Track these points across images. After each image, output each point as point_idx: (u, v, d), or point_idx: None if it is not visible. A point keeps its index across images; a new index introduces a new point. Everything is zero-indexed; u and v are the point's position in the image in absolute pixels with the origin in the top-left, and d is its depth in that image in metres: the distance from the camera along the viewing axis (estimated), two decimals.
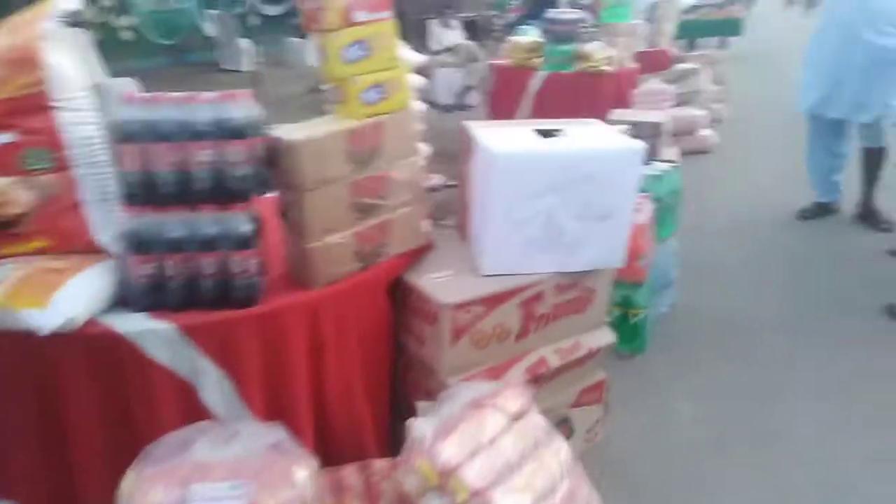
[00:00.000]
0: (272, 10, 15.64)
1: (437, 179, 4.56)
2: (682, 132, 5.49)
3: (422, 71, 7.78)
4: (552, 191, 1.69)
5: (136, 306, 1.49)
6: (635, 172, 1.75)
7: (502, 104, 5.73)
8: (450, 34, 8.35)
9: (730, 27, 11.67)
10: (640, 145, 1.72)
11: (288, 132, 1.53)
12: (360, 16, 1.50)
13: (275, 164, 1.58)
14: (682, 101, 5.89)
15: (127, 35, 12.04)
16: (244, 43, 12.44)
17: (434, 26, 8.32)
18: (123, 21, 11.82)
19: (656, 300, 2.77)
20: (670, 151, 4.88)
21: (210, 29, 12.95)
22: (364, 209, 1.63)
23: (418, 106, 4.27)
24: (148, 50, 12.50)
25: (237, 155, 1.44)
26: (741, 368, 2.51)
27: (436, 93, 8.32)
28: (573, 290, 1.85)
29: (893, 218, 3.65)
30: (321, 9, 1.48)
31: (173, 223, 1.47)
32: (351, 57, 1.52)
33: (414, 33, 10.24)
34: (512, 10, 17.05)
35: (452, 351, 1.67)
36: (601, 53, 5.23)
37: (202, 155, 1.43)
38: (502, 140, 1.70)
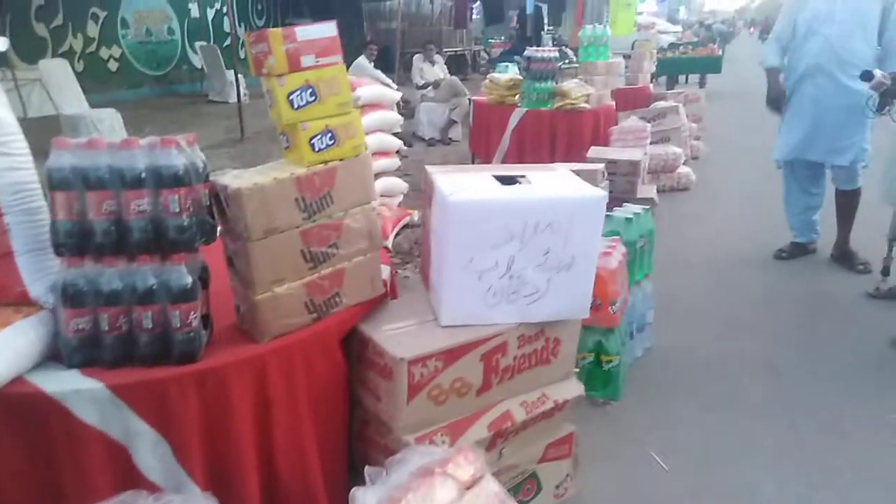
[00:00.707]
0: None
1: (416, 215, 4.53)
2: (661, 169, 5.51)
3: (405, 105, 7.77)
4: (512, 240, 1.63)
5: (68, 363, 1.40)
6: (598, 221, 1.69)
7: (482, 140, 5.73)
8: (434, 69, 8.39)
9: (709, 65, 11.90)
10: (602, 193, 1.67)
11: (234, 179, 1.46)
12: (309, 60, 1.45)
13: (221, 213, 1.51)
14: (661, 138, 5.93)
15: (113, 66, 12.06)
16: (231, 75, 12.48)
17: (418, 61, 8.36)
18: (110, 52, 11.84)
19: (631, 344, 2.70)
20: (648, 189, 4.88)
21: (198, 60, 13.02)
22: (316, 258, 1.56)
23: (394, 142, 4.25)
24: (134, 80, 12.54)
25: (177, 203, 1.37)
26: (719, 417, 2.43)
27: (420, 127, 8.35)
28: (538, 340, 1.77)
29: (869, 259, 3.62)
30: (268, 53, 1.43)
31: (109, 275, 1.39)
32: (299, 102, 1.47)
33: (398, 67, 10.33)
34: (496, 45, 17.39)
35: (410, 408, 1.58)
36: (579, 91, 5.26)
37: (139, 204, 1.36)
38: (461, 187, 1.64)
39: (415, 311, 1.77)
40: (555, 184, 1.75)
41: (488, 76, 5.63)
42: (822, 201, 3.85)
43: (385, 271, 1.85)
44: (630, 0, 9.57)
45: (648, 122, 5.92)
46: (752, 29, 43.64)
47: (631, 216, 2.67)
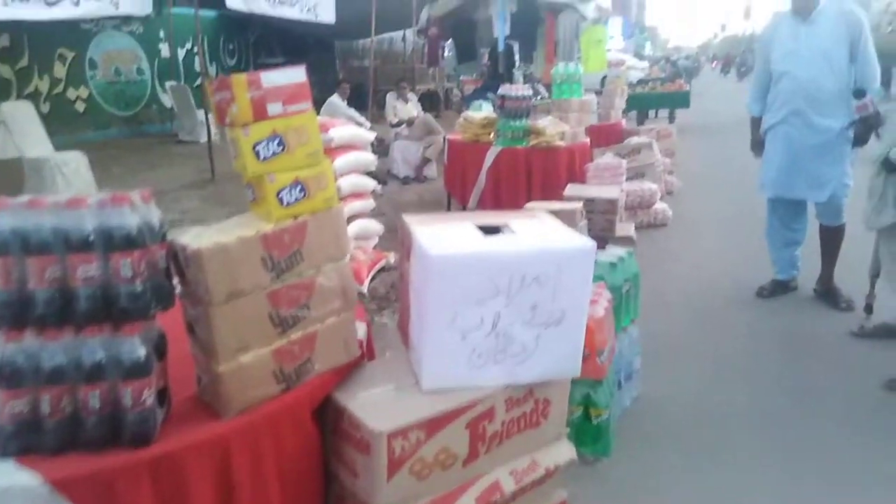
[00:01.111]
0: None
1: (392, 258, 4.41)
2: (638, 206, 5.49)
3: (379, 143, 7.68)
4: (498, 295, 1.52)
5: (2, 451, 1.24)
6: (588, 272, 1.59)
7: (457, 179, 5.66)
8: (407, 107, 8.37)
9: (678, 100, 12.14)
10: (591, 244, 1.58)
11: (194, 238, 1.34)
12: (276, 108, 1.34)
13: (180, 274, 1.38)
14: (636, 174, 5.93)
15: (80, 106, 11.86)
16: (201, 114, 12.36)
17: (391, 99, 8.34)
18: (77, 92, 11.66)
19: (619, 395, 2.59)
20: (626, 227, 4.84)
21: (168, 100, 12.89)
22: (285, 322, 1.43)
23: (368, 183, 4.14)
24: (102, 121, 12.33)
25: (130, 268, 1.23)
26: (709, 471, 2.32)
27: (394, 165, 8.29)
28: (526, 403, 1.65)
29: (852, 296, 3.59)
30: (231, 101, 1.32)
31: (52, 349, 1.24)
32: (266, 153, 1.35)
33: (371, 105, 10.31)
34: (467, 82, 17.56)
35: (390, 486, 1.44)
36: (554, 129, 5.25)
37: (87, 269, 1.22)
38: (442, 239, 1.54)
39: (393, 373, 1.64)
40: (540, 233, 1.65)
41: (462, 114, 5.60)
42: (804, 237, 3.83)
43: (360, 329, 1.73)
44: (600, 37, 9.74)
45: (624, 157, 5.94)
46: (714, 64, 45.05)
47: (615, 260, 2.59)
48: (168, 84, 12.16)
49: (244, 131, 1.33)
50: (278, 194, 1.37)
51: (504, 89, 5.24)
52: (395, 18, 12.10)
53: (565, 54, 9.57)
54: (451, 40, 12.22)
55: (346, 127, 3.88)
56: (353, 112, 7.89)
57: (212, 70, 14.98)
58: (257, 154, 1.35)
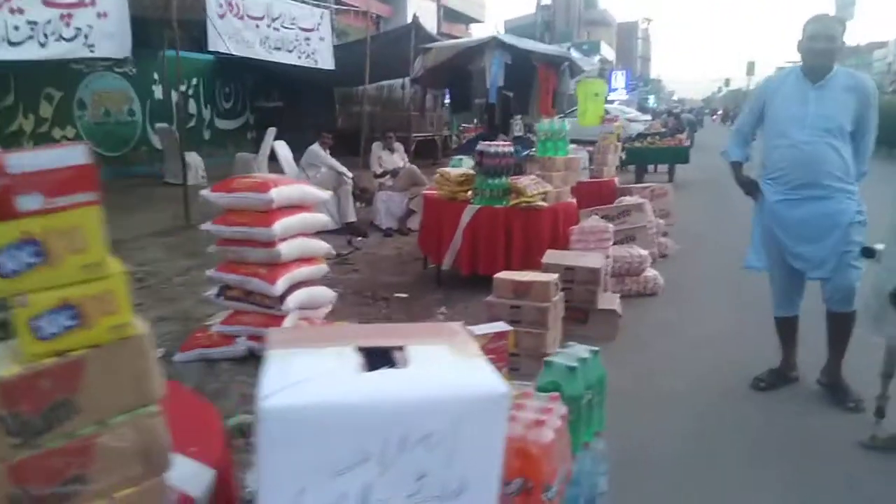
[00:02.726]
0: (227, 125, 15.57)
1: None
2: (626, 273, 5.07)
3: (363, 193, 7.28)
4: (367, 462, 1.08)
5: None
6: (499, 429, 1.15)
7: (432, 237, 5.27)
8: (392, 157, 8.06)
9: (677, 155, 11.80)
10: (504, 391, 1.14)
11: None
12: (31, 202, 0.93)
13: None
14: (626, 237, 5.54)
15: None
16: (192, 157, 12.12)
17: (376, 149, 8.03)
18: (63, 132, 11.45)
19: None
20: (610, 298, 4.41)
21: (157, 141, 12.68)
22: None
23: (319, 247, 3.72)
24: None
25: None
26: None
27: (378, 216, 7.92)
28: None
29: (862, 395, 3.12)
30: None
31: None
32: (14, 266, 0.94)
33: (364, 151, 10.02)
34: (469, 130, 17.39)
35: None
36: (536, 188, 4.87)
37: None
38: (290, 376, 1.10)
39: None
40: (439, 370, 1.21)
41: (438, 170, 5.23)
42: (805, 286, 3.39)
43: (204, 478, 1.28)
44: (598, 90, 9.47)
45: (612, 219, 5.54)
46: (714, 117, 45.36)
47: (575, 364, 2.14)
48: (156, 126, 11.95)
49: None
50: (33, 322, 0.95)
51: (483, 146, 4.89)
52: (395, 66, 11.94)
53: (562, 105, 9.30)
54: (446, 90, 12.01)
55: (295, 186, 3.50)
56: (332, 161, 7.59)
57: (206, 113, 14.85)
58: (1, 268, 0.93)
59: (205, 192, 3.47)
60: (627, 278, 5.06)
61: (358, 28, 17.51)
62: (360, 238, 7.47)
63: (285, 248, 3.29)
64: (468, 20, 28.73)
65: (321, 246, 3.67)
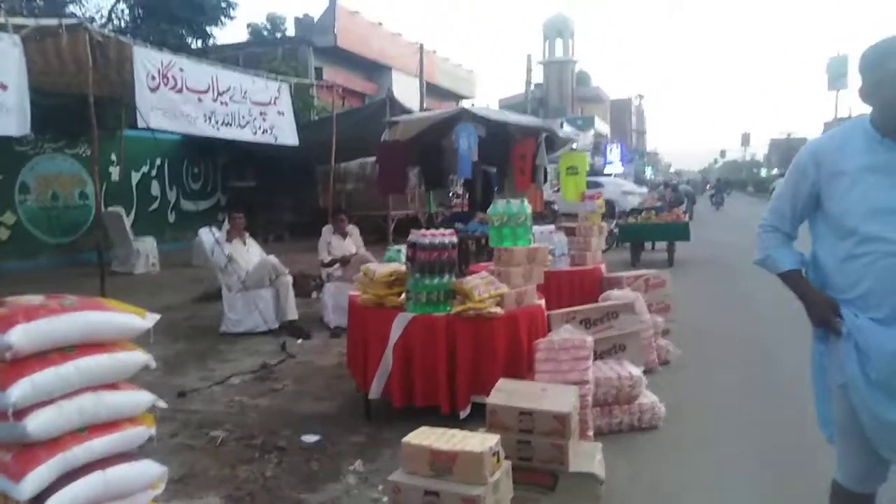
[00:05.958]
0: (195, 206, 14.59)
1: None
2: (613, 401, 3.79)
3: (316, 283, 5.62)
4: None
5: None
6: None
7: (358, 355, 4.02)
8: (344, 243, 6.91)
9: (677, 232, 10.52)
10: None
11: None
12: None
13: None
14: (613, 345, 4.31)
15: (4, 234, 10.60)
16: (145, 242, 11.06)
17: (326, 233, 6.89)
18: (1, 218, 10.47)
19: None
20: (588, 453, 3.12)
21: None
22: None
23: (127, 401, 2.49)
24: (30, 250, 11.01)
25: None
26: None
27: (325, 312, 6.71)
28: None
29: None
30: None
31: None
32: None
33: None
34: (457, 206, 16.39)
35: None
36: (487, 290, 3.67)
37: None
38: None
39: None
40: None
41: (362, 267, 4.03)
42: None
43: None
44: (576, 163, 8.45)
45: (595, 323, 4.33)
46: (708, 186, 44.64)
47: None
48: (106, 210, 10.97)
49: None
50: None
51: (415, 234, 3.73)
52: (371, 142, 11.10)
53: (540, 181, 8.25)
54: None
55: (64, 317, 2.26)
56: (273, 259, 6.55)
57: (171, 194, 13.93)
58: None
59: None
60: (615, 408, 3.77)
61: (338, 105, 16.93)
62: (299, 340, 6.21)
63: (40, 421, 2.02)
64: (457, 98, 28.44)
65: (134, 400, 2.39)
